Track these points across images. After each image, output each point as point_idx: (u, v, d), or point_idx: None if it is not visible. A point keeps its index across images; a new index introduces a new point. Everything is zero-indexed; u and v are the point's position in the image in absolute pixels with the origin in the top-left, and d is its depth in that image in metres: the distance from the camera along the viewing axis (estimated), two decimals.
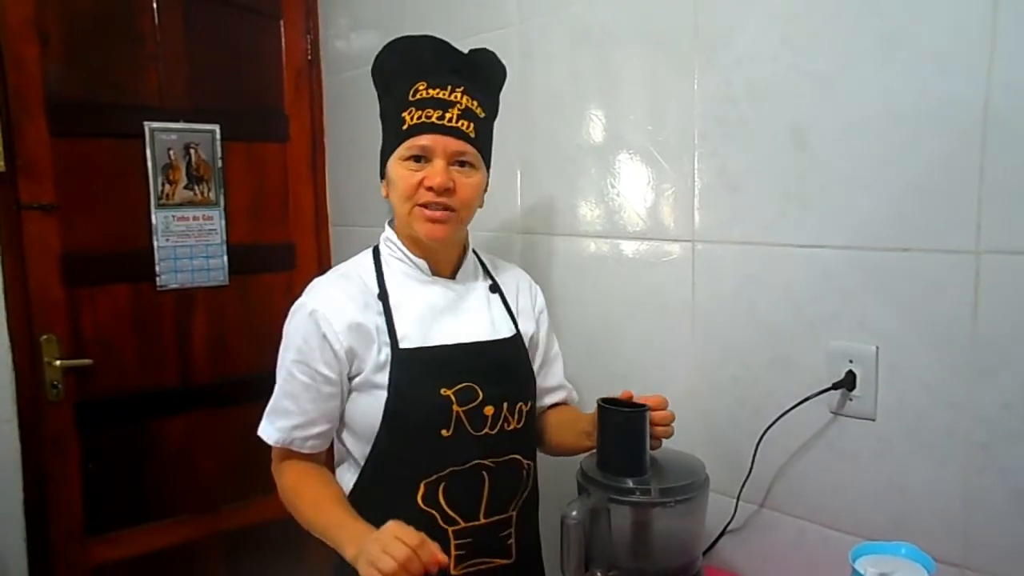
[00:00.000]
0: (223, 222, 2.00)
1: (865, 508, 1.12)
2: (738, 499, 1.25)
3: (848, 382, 1.11)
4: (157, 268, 1.91)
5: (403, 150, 1.13)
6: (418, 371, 1.12)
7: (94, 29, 1.83)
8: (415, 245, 1.19)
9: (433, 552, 0.93)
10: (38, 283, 1.78)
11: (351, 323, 1.12)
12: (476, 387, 1.13)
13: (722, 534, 1.28)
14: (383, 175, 1.21)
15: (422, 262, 1.20)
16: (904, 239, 1.05)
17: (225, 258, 2.00)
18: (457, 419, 1.11)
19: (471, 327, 1.19)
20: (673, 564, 1.05)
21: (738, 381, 1.27)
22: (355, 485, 1.16)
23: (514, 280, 1.33)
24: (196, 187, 1.95)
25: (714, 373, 1.30)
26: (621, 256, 1.43)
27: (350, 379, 1.14)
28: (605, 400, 1.04)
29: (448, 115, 1.12)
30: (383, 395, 1.11)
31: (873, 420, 1.11)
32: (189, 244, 1.95)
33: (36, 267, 1.77)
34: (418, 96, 1.13)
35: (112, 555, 1.92)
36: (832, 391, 1.13)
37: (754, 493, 1.25)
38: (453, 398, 1.11)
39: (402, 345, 1.12)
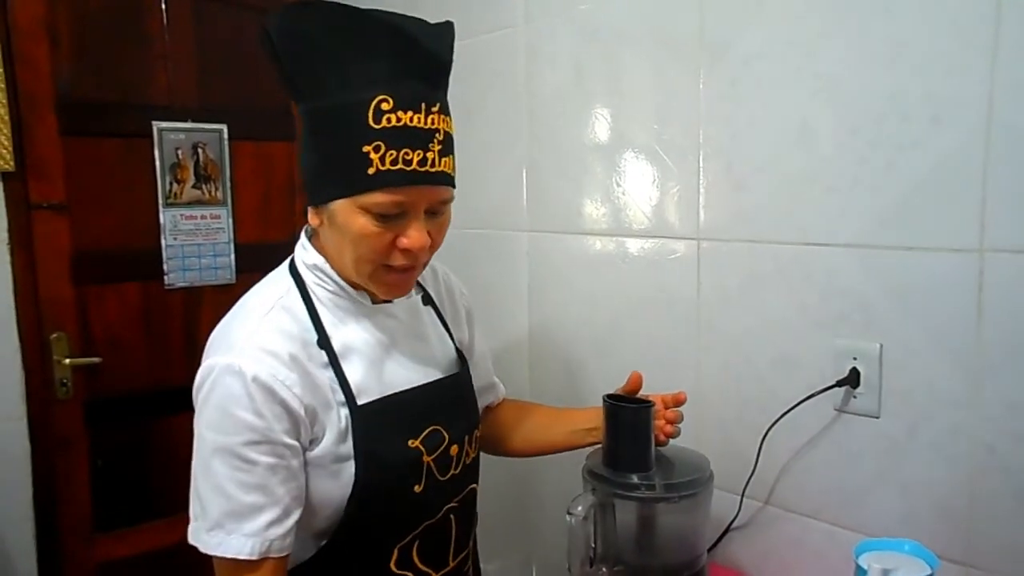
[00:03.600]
0: (231, 221, 2.01)
1: (869, 505, 1.13)
2: (743, 496, 1.25)
3: (852, 380, 1.12)
4: (165, 267, 1.92)
5: (368, 202, 0.87)
6: (384, 429, 0.94)
7: (103, 29, 1.84)
8: (355, 281, 0.97)
9: None
10: (48, 282, 1.79)
11: (304, 377, 0.90)
12: (441, 429, 1.00)
13: (727, 531, 1.29)
14: (316, 202, 0.92)
15: (364, 295, 0.99)
16: (909, 238, 1.06)
17: (233, 257, 2.02)
18: (427, 470, 0.98)
19: (423, 363, 1.03)
20: (678, 560, 1.05)
21: (743, 379, 1.27)
22: (309, 560, 0.96)
23: (434, 280, 1.16)
24: (204, 186, 1.96)
25: (719, 370, 1.31)
26: (627, 254, 1.44)
27: (304, 449, 0.91)
28: (611, 396, 1.04)
29: (430, 155, 0.87)
30: (350, 466, 0.92)
31: (877, 418, 1.11)
32: (197, 243, 1.96)
33: (46, 266, 1.79)
34: (384, 122, 0.85)
35: (120, 552, 1.93)
36: (836, 388, 1.13)
37: (759, 490, 1.25)
38: (422, 448, 0.97)
39: (360, 401, 0.93)
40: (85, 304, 1.85)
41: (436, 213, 0.93)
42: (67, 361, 1.81)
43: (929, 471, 1.06)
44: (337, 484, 0.92)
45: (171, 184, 1.91)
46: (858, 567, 0.92)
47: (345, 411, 0.92)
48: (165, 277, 1.93)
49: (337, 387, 0.92)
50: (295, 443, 0.89)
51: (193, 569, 2.02)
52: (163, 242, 1.91)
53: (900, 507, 1.10)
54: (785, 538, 1.24)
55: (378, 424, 0.94)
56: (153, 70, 1.91)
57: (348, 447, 0.92)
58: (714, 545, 1.28)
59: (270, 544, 0.87)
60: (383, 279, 0.94)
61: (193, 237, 1.95)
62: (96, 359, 1.85)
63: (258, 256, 2.06)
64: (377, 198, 0.86)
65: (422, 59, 0.89)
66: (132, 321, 1.92)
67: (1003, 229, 0.97)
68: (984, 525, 1.02)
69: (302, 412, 0.89)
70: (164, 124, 1.90)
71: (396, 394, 0.97)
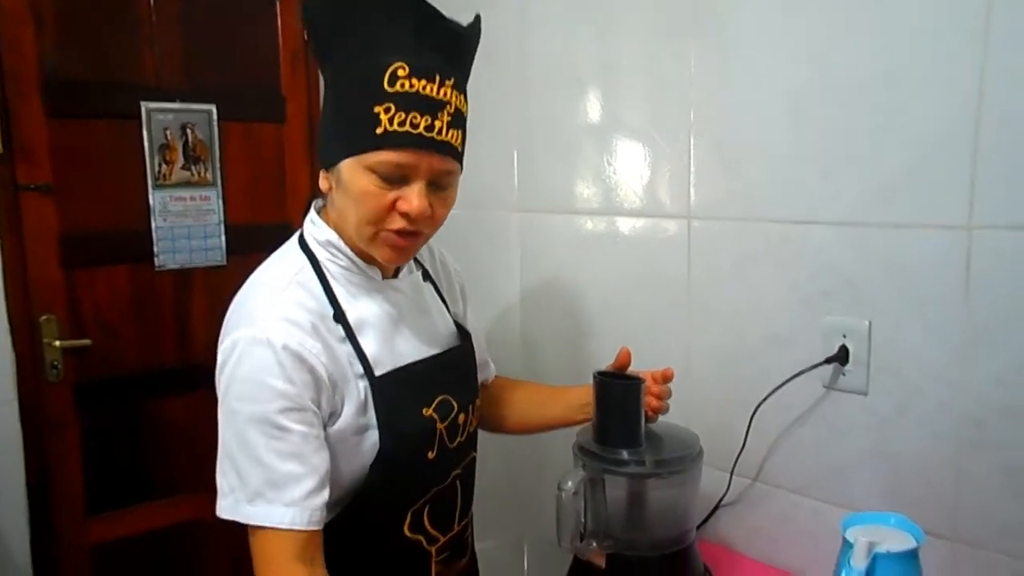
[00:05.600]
0: (220, 202, 2.00)
1: (857, 482, 1.14)
2: (732, 473, 1.26)
3: (841, 357, 1.12)
4: (155, 248, 1.91)
5: (372, 161, 0.89)
6: (402, 399, 0.98)
7: (89, 9, 1.82)
8: (360, 247, 0.99)
9: None
10: (37, 264, 1.78)
11: (326, 347, 0.92)
12: (451, 398, 1.04)
13: (716, 508, 1.30)
14: (327, 163, 0.96)
15: (375, 270, 1.02)
16: (898, 215, 1.06)
17: (223, 238, 2.00)
18: (440, 437, 1.02)
19: (429, 336, 1.07)
20: (667, 535, 1.06)
21: (733, 356, 1.28)
22: (325, 528, 0.94)
23: (431, 258, 1.19)
24: (193, 167, 1.95)
25: (709, 348, 1.31)
26: (618, 233, 1.44)
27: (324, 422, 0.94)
28: (601, 373, 1.05)
29: (438, 123, 0.90)
30: (372, 436, 0.95)
31: (865, 395, 1.12)
32: (187, 224, 1.95)
33: (34, 248, 1.77)
34: (398, 86, 0.87)
35: (113, 534, 1.93)
36: (825, 366, 1.14)
37: (748, 467, 1.26)
38: (436, 416, 1.01)
39: (377, 373, 0.96)
40: (75, 286, 1.84)
41: (440, 186, 0.94)
42: (57, 343, 1.80)
43: (916, 447, 1.07)
44: (358, 455, 0.95)
45: (160, 165, 1.90)
46: (845, 541, 0.93)
47: (363, 383, 0.95)
48: (155, 259, 1.91)
49: (355, 360, 0.95)
50: (326, 412, 0.92)
51: (186, 552, 2.05)
52: (153, 224, 1.90)
53: (887, 483, 1.11)
54: (773, 514, 1.25)
55: (396, 395, 0.97)
56: (140, 51, 1.89)
57: (368, 418, 0.95)
58: (703, 522, 1.29)
59: (312, 514, 0.88)
60: (384, 242, 0.94)
61: (183, 219, 1.94)
62: (86, 341, 1.84)
63: (249, 237, 2.05)
64: (381, 157, 0.89)
65: (443, 33, 0.93)
66: (122, 303, 1.91)
67: (992, 206, 0.97)
68: (970, 500, 1.03)
69: (327, 379, 0.91)
70: (152, 104, 1.88)
71: (409, 365, 1.00)
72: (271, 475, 0.87)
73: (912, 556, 0.92)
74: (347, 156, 0.91)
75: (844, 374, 1.14)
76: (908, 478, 1.09)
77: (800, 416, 1.20)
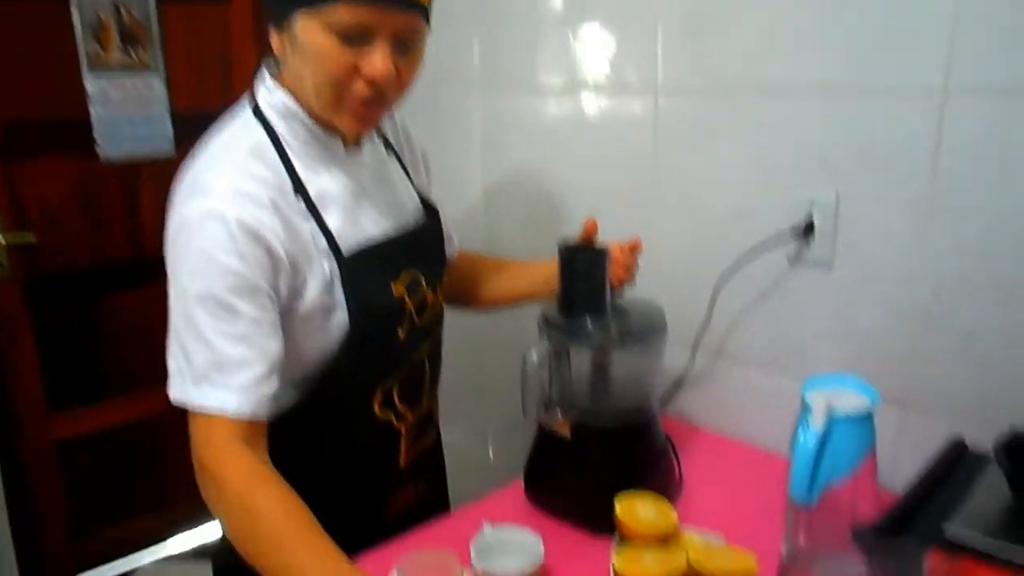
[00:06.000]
0: (164, 89, 1.89)
1: (818, 355, 1.15)
2: (695, 349, 1.27)
3: (807, 230, 1.12)
4: (96, 137, 1.81)
5: (330, 18, 0.81)
6: (370, 278, 0.94)
7: None
8: (320, 114, 0.91)
9: None
10: None
11: (285, 224, 0.86)
12: (419, 273, 1.01)
13: (678, 384, 1.32)
14: (277, 18, 0.87)
15: (335, 141, 0.95)
16: (871, 82, 1.03)
17: (169, 126, 1.91)
18: (409, 315, 0.99)
19: (394, 210, 1.02)
20: (631, 406, 1.07)
21: (699, 230, 1.27)
22: (294, 408, 0.95)
23: (392, 126, 1.13)
24: (131, 50, 1.83)
25: (675, 222, 1.30)
26: (583, 111, 1.39)
27: (283, 303, 0.88)
28: (566, 243, 1.02)
29: None
30: (340, 315, 0.91)
31: (830, 268, 1.12)
32: (129, 112, 1.84)
33: None
34: None
35: (76, 431, 1.93)
36: (790, 239, 1.13)
37: (710, 343, 1.27)
38: (405, 293, 0.98)
39: (344, 251, 0.91)
40: (16, 180, 1.76)
41: (406, 46, 0.87)
42: (0, 240, 1.73)
43: (877, 319, 1.08)
44: (323, 334, 0.92)
45: (94, 47, 1.78)
46: (804, 404, 0.95)
47: (328, 262, 0.90)
48: (98, 149, 1.82)
49: (319, 237, 0.90)
50: (276, 294, 0.86)
51: (149, 445, 2.05)
52: (92, 110, 1.79)
53: (846, 354, 1.12)
54: (735, 389, 1.28)
55: (364, 274, 0.93)
56: None
57: (335, 297, 0.91)
58: (666, 401, 1.31)
59: (259, 402, 0.83)
60: (348, 110, 0.88)
61: (124, 106, 1.83)
62: (30, 236, 1.77)
63: (196, 125, 1.95)
64: (340, 13, 0.80)
65: None
66: (68, 197, 1.83)
67: (969, 70, 0.94)
68: (924, 369, 1.05)
69: (285, 259, 0.86)
70: None
71: (376, 242, 0.96)
72: (217, 357, 0.82)
73: (867, 418, 0.93)
74: (299, 8, 0.82)
75: (809, 247, 1.13)
76: (867, 350, 1.10)
77: (764, 291, 1.20)
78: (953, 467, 0.94)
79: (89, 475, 1.99)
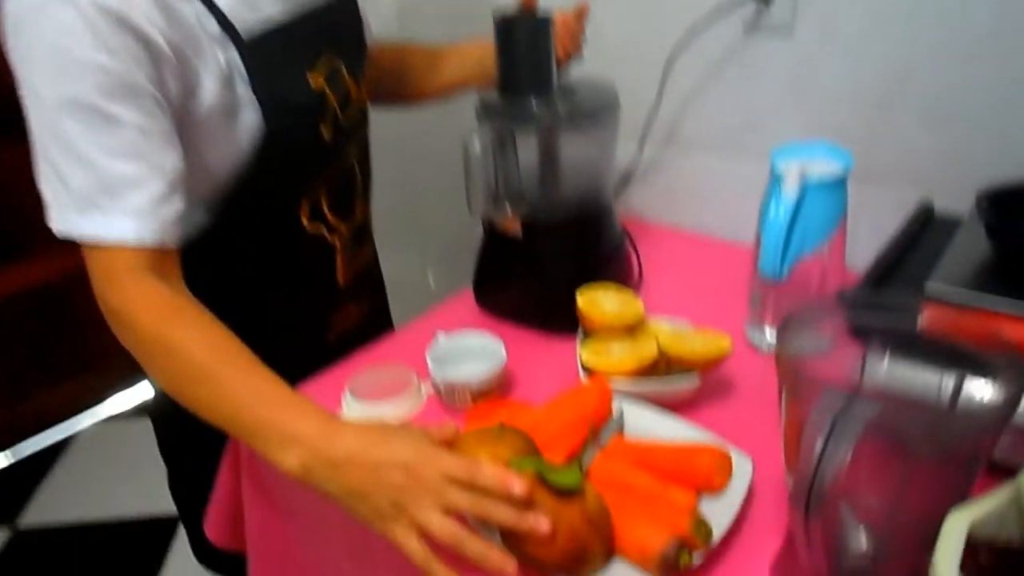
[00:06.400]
0: None
1: (777, 129, 1.07)
2: (643, 139, 1.17)
3: None
4: None
5: None
6: (281, 64, 0.80)
7: None
8: None
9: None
10: None
11: (162, 8, 0.70)
12: (338, 60, 0.87)
13: (627, 178, 1.23)
14: None
15: None
16: None
17: None
18: (333, 112, 0.86)
19: None
20: (584, 196, 0.98)
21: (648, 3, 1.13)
22: (211, 230, 0.84)
23: None
24: None
25: None
26: None
27: (175, 107, 0.74)
28: (502, 14, 0.88)
29: None
30: (248, 115, 0.78)
31: (791, 32, 1.02)
32: None
33: None
34: None
35: None
36: (749, 2, 1.01)
37: (660, 131, 1.18)
38: (326, 85, 0.84)
39: (244, 35, 0.76)
40: None
41: None
42: None
43: (842, 82, 1.01)
44: (232, 141, 0.78)
45: None
46: (773, 174, 0.87)
47: (224, 51, 0.75)
48: None
49: (207, 19, 0.74)
50: (163, 96, 0.71)
51: (72, 302, 1.90)
52: None
53: (808, 125, 1.05)
54: (691, 177, 1.20)
55: (273, 61, 0.79)
56: None
57: (240, 93, 0.77)
58: (615, 194, 1.23)
59: (163, 227, 0.71)
60: None
61: None
62: None
63: None
64: None
65: None
66: None
67: None
68: (888, 133, 0.99)
69: (167, 49, 0.70)
70: None
71: (282, 23, 0.80)
72: (101, 177, 0.68)
73: (840, 184, 0.87)
74: None
75: (767, 10, 1.02)
76: (829, 117, 1.03)
77: (718, 64, 1.09)
78: (924, 229, 0.90)
79: (11, 339, 1.86)
